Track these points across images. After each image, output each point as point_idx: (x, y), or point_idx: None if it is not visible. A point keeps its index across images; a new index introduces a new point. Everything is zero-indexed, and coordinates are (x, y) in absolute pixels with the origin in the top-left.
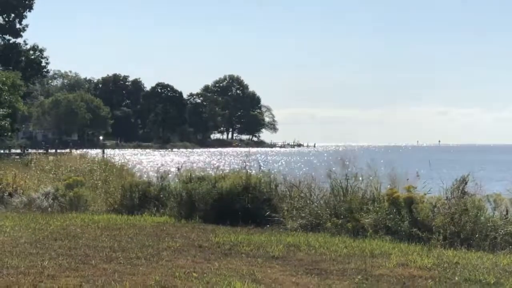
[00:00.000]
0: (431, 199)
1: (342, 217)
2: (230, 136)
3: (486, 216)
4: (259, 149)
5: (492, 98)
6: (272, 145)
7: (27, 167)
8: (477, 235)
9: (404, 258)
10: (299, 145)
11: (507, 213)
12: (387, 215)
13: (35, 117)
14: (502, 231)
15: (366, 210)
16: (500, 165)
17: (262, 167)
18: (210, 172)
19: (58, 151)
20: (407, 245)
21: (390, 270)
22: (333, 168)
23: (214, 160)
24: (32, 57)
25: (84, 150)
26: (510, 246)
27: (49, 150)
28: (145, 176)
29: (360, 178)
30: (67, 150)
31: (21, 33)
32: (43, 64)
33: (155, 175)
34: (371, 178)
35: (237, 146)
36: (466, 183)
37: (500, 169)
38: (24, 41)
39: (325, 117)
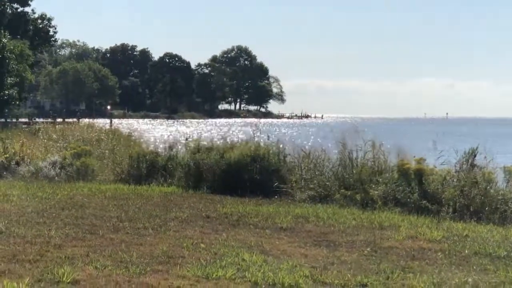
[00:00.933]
0: (441, 172)
1: (351, 188)
2: (237, 106)
3: (496, 189)
4: (267, 120)
5: (499, 72)
6: (279, 116)
7: (35, 136)
8: (486, 208)
9: (414, 230)
10: (307, 116)
11: None
12: (396, 187)
13: (43, 86)
14: None
15: (375, 182)
16: (505, 139)
17: (270, 138)
18: (218, 142)
19: (66, 120)
20: (416, 217)
21: (399, 243)
22: (342, 140)
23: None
24: (40, 26)
25: (92, 119)
26: None
27: (57, 120)
28: (152, 146)
29: (370, 149)
30: (75, 120)
31: (29, 1)
32: (51, 33)
33: (163, 145)
34: (381, 149)
35: (245, 116)
36: (475, 156)
37: (505, 143)
38: (32, 10)
39: (333, 89)
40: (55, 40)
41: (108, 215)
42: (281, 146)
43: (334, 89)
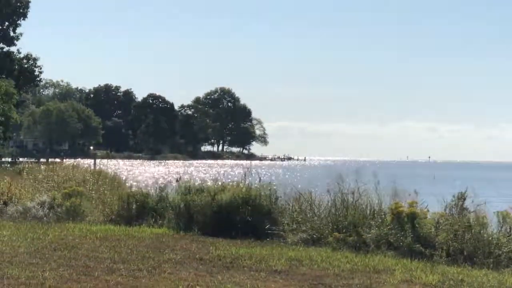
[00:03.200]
0: (433, 215)
1: (343, 231)
2: (220, 148)
3: (489, 233)
4: (255, 162)
5: (482, 116)
6: (262, 158)
7: (19, 176)
8: (480, 252)
9: (408, 274)
10: (289, 159)
11: (510, 231)
12: (389, 230)
13: (26, 126)
14: (506, 248)
15: (368, 225)
16: (489, 183)
17: (261, 180)
18: (209, 183)
19: (49, 160)
20: (410, 261)
21: (395, 287)
22: (334, 182)
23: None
24: (26, 66)
25: (76, 159)
26: None
27: (41, 159)
28: (142, 186)
29: (361, 193)
30: (58, 160)
31: (15, 41)
32: (36, 73)
33: (152, 186)
34: (373, 192)
35: (228, 158)
36: (464, 200)
37: (489, 187)
38: (18, 50)
39: (314, 131)
40: (40, 80)
41: (101, 256)
42: (273, 187)
43: (316, 131)
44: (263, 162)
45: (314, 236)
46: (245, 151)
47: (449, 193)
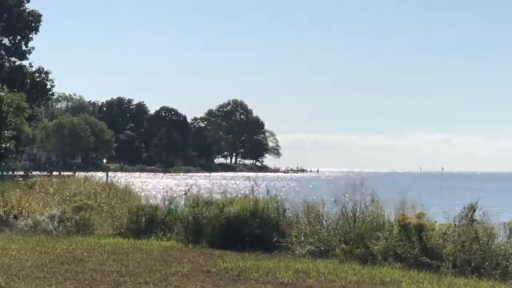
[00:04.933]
0: (441, 226)
1: (351, 243)
2: (233, 160)
3: (496, 244)
4: (265, 174)
5: (495, 127)
6: (275, 170)
7: (31, 189)
8: (487, 264)
9: (415, 286)
10: (303, 170)
11: None
12: (397, 242)
13: (39, 140)
14: None
15: (375, 237)
16: (501, 193)
17: (269, 192)
18: (217, 196)
19: (62, 173)
20: (417, 272)
21: None
22: (342, 194)
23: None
24: (38, 79)
25: (88, 173)
26: None
27: (53, 173)
28: (152, 199)
29: (368, 204)
30: (71, 173)
31: (27, 55)
32: (48, 86)
33: (161, 198)
34: (380, 204)
35: (241, 170)
36: (474, 211)
37: (500, 198)
38: (30, 64)
39: (328, 143)
40: (52, 94)
41: (109, 269)
42: (279, 201)
43: (329, 143)
44: (276, 174)
45: (322, 248)
46: (258, 163)
47: (456, 204)
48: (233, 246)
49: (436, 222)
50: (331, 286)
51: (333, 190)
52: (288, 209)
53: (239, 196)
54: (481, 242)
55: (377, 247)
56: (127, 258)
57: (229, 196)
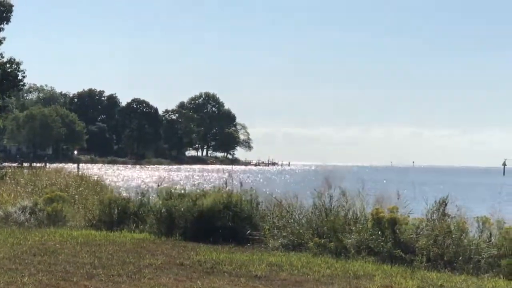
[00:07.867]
0: (414, 221)
1: (324, 236)
2: (205, 153)
3: (469, 239)
4: (238, 167)
5: (468, 121)
6: (246, 163)
7: (2, 181)
8: (460, 258)
9: (388, 279)
10: (274, 164)
11: (490, 236)
12: (370, 236)
13: (9, 131)
14: (486, 254)
15: (348, 231)
16: (472, 188)
17: (242, 185)
18: (191, 189)
19: (33, 165)
20: (390, 266)
21: None
22: (315, 187)
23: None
24: (9, 70)
25: (59, 164)
26: (494, 270)
27: (24, 164)
28: (124, 192)
29: (342, 198)
30: (42, 164)
31: None
32: (20, 77)
33: (134, 190)
34: (354, 197)
35: (212, 163)
36: (446, 205)
37: (471, 192)
38: (1, 54)
39: (299, 136)
40: (24, 85)
41: (81, 261)
42: (252, 194)
43: (300, 137)
44: (247, 167)
45: (295, 241)
46: (229, 156)
47: (429, 197)
48: (206, 239)
49: (409, 216)
50: (305, 280)
51: (306, 183)
52: (262, 202)
53: (211, 188)
54: (453, 236)
55: (350, 240)
56: (100, 250)
57: (201, 188)
